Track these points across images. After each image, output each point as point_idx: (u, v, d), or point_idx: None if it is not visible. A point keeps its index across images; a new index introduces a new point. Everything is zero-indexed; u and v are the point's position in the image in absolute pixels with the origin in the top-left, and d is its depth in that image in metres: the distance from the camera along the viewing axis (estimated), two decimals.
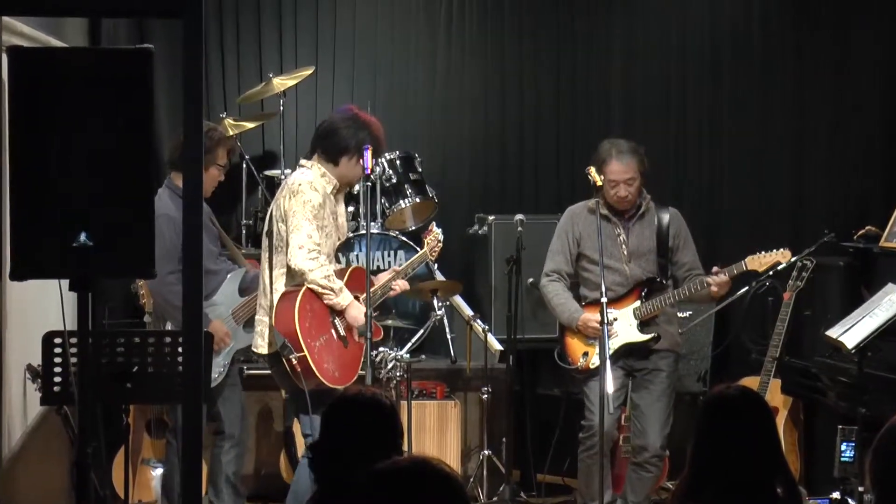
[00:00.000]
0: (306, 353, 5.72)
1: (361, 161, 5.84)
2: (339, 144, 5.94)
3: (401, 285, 6.24)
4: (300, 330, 5.72)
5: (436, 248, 6.57)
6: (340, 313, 5.90)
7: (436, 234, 6.60)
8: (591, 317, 6.37)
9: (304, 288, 5.80)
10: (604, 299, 6.03)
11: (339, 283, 5.85)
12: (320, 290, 5.80)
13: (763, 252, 6.39)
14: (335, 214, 6.02)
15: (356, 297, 5.93)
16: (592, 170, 6.30)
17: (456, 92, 8.62)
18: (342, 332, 5.91)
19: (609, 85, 8.68)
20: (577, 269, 6.60)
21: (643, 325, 6.42)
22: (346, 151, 5.93)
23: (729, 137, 8.65)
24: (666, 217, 6.52)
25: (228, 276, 6.41)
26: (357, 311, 5.88)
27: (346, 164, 5.95)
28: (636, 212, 6.48)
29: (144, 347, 4.87)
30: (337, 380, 5.81)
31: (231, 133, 7.63)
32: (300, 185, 5.87)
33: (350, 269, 6.07)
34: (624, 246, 6.46)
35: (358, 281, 5.95)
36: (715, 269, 6.36)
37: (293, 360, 5.71)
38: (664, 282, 6.47)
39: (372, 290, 5.82)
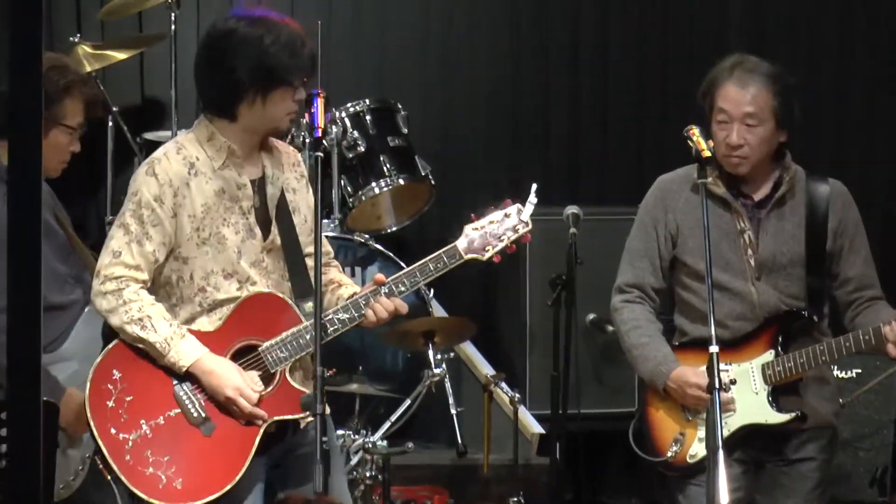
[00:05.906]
0: (105, 450, 5.50)
1: (291, 97, 5.52)
2: (227, 83, 5.51)
3: (378, 309, 5.59)
4: (92, 414, 5.51)
5: (509, 238, 5.71)
6: (194, 379, 5.57)
7: (513, 211, 5.74)
8: (693, 376, 6.18)
9: (114, 343, 5.59)
10: (714, 348, 5.61)
11: (165, 332, 5.48)
12: (133, 343, 5.53)
13: None
14: (241, 202, 5.59)
15: (256, 346, 5.59)
16: (695, 131, 5.97)
17: (468, 9, 9.06)
18: (200, 412, 5.56)
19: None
20: (670, 284, 6.51)
21: (778, 394, 6.28)
22: (242, 93, 5.50)
23: None
24: (824, 194, 6.37)
25: (86, 310, 6.19)
26: (220, 375, 5.50)
27: (251, 113, 5.53)
28: (774, 191, 6.33)
29: None
30: (176, 494, 5.48)
31: (88, 69, 7.94)
32: (143, 166, 5.64)
33: (246, 297, 5.62)
34: (751, 251, 6.31)
35: (266, 318, 5.60)
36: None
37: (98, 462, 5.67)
38: (815, 318, 6.30)
39: (299, 328, 5.54)
